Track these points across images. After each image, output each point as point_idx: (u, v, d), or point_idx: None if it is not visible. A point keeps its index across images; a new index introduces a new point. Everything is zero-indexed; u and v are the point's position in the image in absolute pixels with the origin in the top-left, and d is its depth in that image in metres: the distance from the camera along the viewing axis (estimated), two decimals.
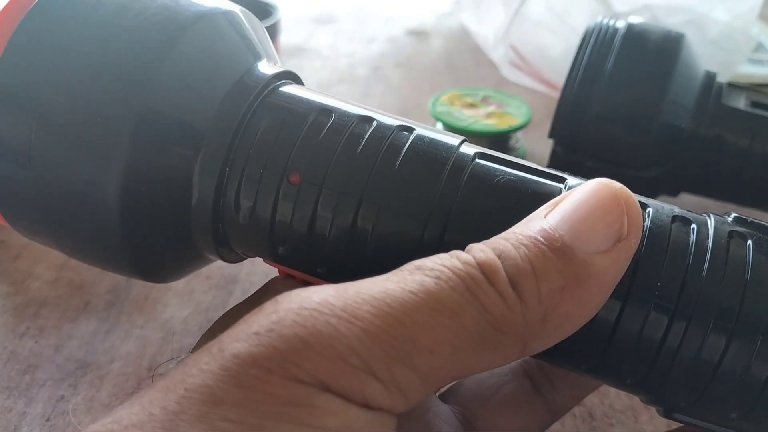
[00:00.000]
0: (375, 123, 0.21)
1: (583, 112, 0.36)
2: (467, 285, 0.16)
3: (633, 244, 0.18)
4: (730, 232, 0.19)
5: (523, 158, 0.45)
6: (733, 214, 0.20)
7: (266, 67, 0.23)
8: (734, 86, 0.38)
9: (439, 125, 0.45)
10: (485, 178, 0.20)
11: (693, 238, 0.19)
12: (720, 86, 0.38)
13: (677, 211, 0.20)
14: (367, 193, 0.20)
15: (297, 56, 0.64)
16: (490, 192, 0.20)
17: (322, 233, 0.20)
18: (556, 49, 0.53)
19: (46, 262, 0.36)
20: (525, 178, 0.20)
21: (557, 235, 0.17)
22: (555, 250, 0.17)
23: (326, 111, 0.21)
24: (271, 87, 0.23)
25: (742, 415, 0.19)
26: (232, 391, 0.14)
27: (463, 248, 0.18)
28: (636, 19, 0.39)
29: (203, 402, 0.14)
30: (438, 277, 0.16)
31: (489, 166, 0.21)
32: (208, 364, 0.15)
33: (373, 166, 0.20)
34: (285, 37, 0.63)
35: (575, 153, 0.37)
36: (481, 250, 0.17)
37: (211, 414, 0.14)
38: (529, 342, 0.17)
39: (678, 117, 0.36)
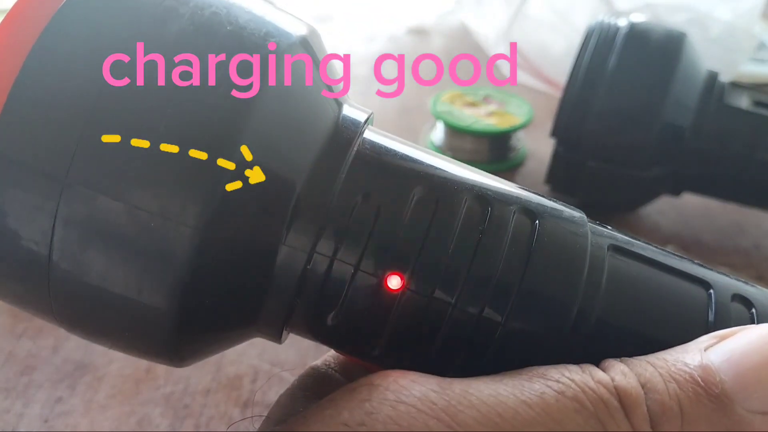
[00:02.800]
0: (490, 208, 0.17)
1: (584, 111, 0.36)
2: (597, 410, 0.14)
3: None
4: None
5: (523, 158, 0.45)
6: None
7: (351, 109, 0.18)
8: (737, 85, 0.38)
9: (440, 125, 0.45)
10: (624, 283, 0.18)
11: None
12: (722, 85, 0.37)
13: None
14: (488, 306, 0.17)
15: None
16: (630, 299, 0.17)
17: (427, 345, 0.17)
18: (558, 48, 0.53)
19: None
20: (667, 280, 0.18)
21: (717, 380, 0.15)
22: (712, 397, 0.15)
23: (430, 186, 0.17)
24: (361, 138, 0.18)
25: None
26: None
27: (595, 361, 0.15)
28: (638, 18, 0.39)
29: None
30: (562, 393, 0.14)
31: (626, 264, 0.18)
32: None
33: (497, 274, 0.17)
34: None
35: (577, 152, 0.37)
36: (622, 373, 0.15)
37: None
38: None
39: (680, 116, 0.36)
